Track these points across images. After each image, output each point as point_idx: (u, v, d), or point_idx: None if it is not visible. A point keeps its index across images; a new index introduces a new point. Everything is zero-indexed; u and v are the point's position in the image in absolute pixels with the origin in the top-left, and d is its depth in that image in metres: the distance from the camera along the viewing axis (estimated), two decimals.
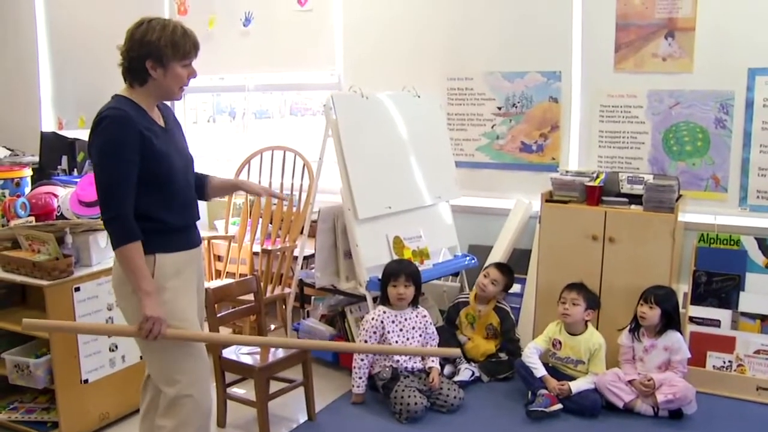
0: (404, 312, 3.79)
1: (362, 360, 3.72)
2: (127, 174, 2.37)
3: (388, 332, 3.72)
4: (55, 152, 5.81)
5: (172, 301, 2.51)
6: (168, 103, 2.72)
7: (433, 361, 3.75)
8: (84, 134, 5.83)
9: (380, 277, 3.83)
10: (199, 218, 2.71)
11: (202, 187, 2.76)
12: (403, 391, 3.57)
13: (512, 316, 4.17)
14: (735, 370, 3.83)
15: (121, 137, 2.35)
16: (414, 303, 3.83)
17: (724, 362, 3.85)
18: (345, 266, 4.13)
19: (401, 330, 3.75)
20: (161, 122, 2.55)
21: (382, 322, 3.73)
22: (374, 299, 3.97)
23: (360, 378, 3.72)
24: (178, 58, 2.43)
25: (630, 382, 3.62)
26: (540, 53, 4.55)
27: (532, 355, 3.75)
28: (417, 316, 3.82)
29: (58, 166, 5.72)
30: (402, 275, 3.75)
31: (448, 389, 3.66)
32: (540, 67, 4.57)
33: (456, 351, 3.45)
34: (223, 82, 5.81)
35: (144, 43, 2.40)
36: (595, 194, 4.07)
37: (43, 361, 3.24)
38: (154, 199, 2.46)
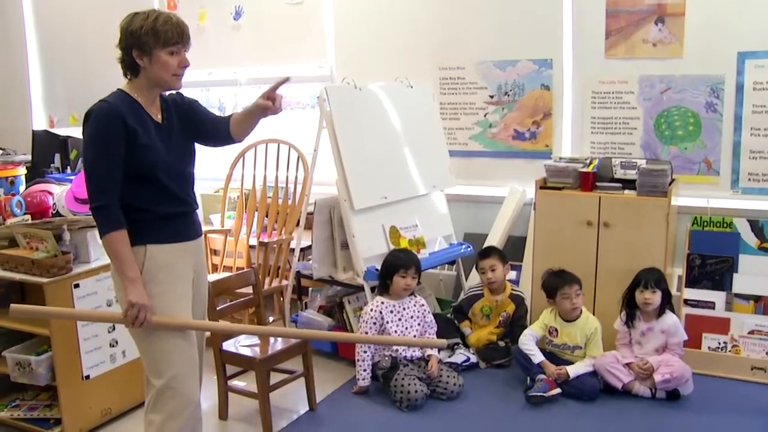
0: (403, 302, 3.81)
1: (365, 352, 3.74)
2: (110, 165, 2.42)
3: (387, 322, 3.74)
4: (47, 150, 5.80)
5: (163, 294, 2.52)
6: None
7: (432, 349, 3.78)
8: (76, 132, 5.85)
9: (380, 266, 3.85)
10: (196, 207, 2.72)
11: (226, 129, 2.73)
12: (403, 379, 3.59)
13: (526, 303, 4.20)
14: (730, 351, 3.88)
15: (104, 129, 2.41)
16: (412, 292, 3.86)
17: (719, 343, 3.90)
18: (342, 257, 4.15)
19: (400, 320, 3.77)
20: (158, 117, 2.57)
21: (380, 312, 3.75)
22: (372, 289, 3.99)
23: (364, 370, 3.73)
24: (161, 45, 2.44)
25: (628, 365, 3.65)
26: (531, 41, 4.57)
27: (528, 342, 3.77)
28: (415, 306, 3.84)
29: (51, 165, 5.71)
30: (412, 266, 3.77)
31: (448, 377, 3.69)
32: (531, 56, 4.59)
33: (441, 342, 3.50)
34: (212, 76, 5.80)
35: (128, 34, 2.45)
36: (589, 180, 4.10)
37: (45, 358, 3.25)
38: (142, 190, 2.50)
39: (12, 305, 2.58)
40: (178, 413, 2.55)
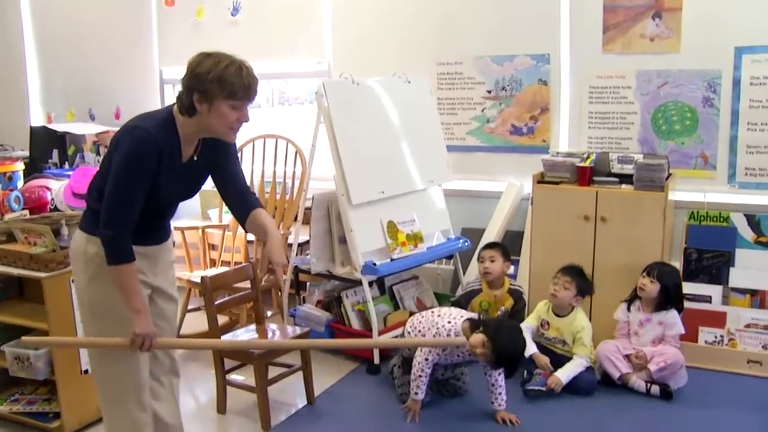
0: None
1: (429, 368, 3.39)
2: (134, 198, 2.36)
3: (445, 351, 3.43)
4: (45, 146, 5.81)
5: (111, 286, 2.45)
6: None
7: (500, 405, 3.46)
8: (73, 128, 5.83)
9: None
10: (171, 217, 2.71)
11: (245, 217, 2.62)
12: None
13: (525, 297, 4.19)
14: (726, 345, 3.89)
15: (139, 163, 2.32)
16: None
17: (716, 337, 3.92)
18: (340, 252, 4.15)
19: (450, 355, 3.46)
20: (188, 154, 2.48)
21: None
22: (370, 284, 4.00)
23: (425, 384, 3.41)
24: (224, 96, 2.29)
25: (626, 356, 3.68)
26: (528, 36, 4.58)
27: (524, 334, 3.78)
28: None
29: (49, 160, 5.72)
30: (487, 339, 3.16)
31: (462, 374, 3.67)
32: (529, 50, 4.60)
33: (462, 340, 3.23)
34: None
35: (194, 75, 2.30)
36: (586, 175, 4.11)
37: (43, 353, 3.24)
38: None
39: (23, 338, 2.71)
40: (120, 424, 2.64)
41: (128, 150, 2.32)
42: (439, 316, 3.50)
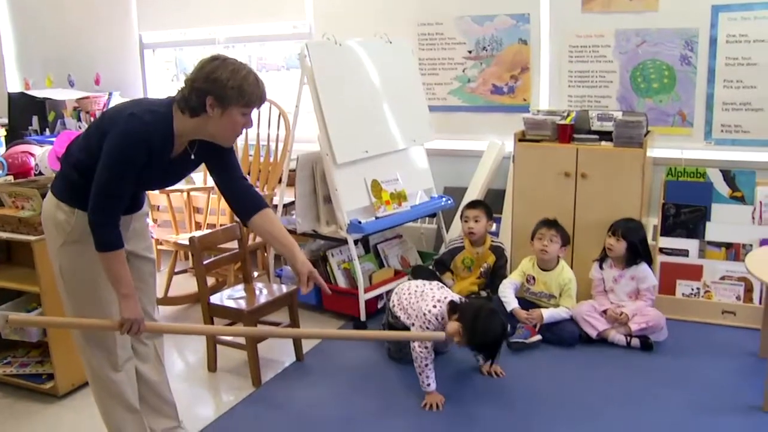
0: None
1: (429, 356, 3.28)
2: (124, 188, 2.36)
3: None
4: (24, 113, 5.76)
5: (81, 254, 2.49)
6: None
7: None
8: (52, 93, 5.77)
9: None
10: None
11: (249, 216, 2.61)
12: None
13: (506, 254, 4.27)
14: (702, 297, 4.01)
15: (130, 156, 2.31)
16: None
17: (692, 289, 4.03)
18: (325, 211, 4.21)
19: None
20: (178, 151, 2.45)
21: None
22: (355, 242, 4.06)
23: (429, 376, 3.27)
24: (241, 105, 2.33)
25: (604, 312, 3.77)
26: None
27: (506, 290, 3.88)
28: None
29: (29, 127, 5.69)
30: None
31: None
32: (509, 10, 4.62)
33: (440, 335, 3.16)
34: (186, 36, 5.75)
35: (211, 79, 2.30)
36: (567, 132, 4.17)
37: (35, 316, 3.28)
38: None
39: (11, 317, 2.71)
40: (103, 394, 2.72)
41: (120, 138, 2.30)
42: (423, 300, 3.38)
